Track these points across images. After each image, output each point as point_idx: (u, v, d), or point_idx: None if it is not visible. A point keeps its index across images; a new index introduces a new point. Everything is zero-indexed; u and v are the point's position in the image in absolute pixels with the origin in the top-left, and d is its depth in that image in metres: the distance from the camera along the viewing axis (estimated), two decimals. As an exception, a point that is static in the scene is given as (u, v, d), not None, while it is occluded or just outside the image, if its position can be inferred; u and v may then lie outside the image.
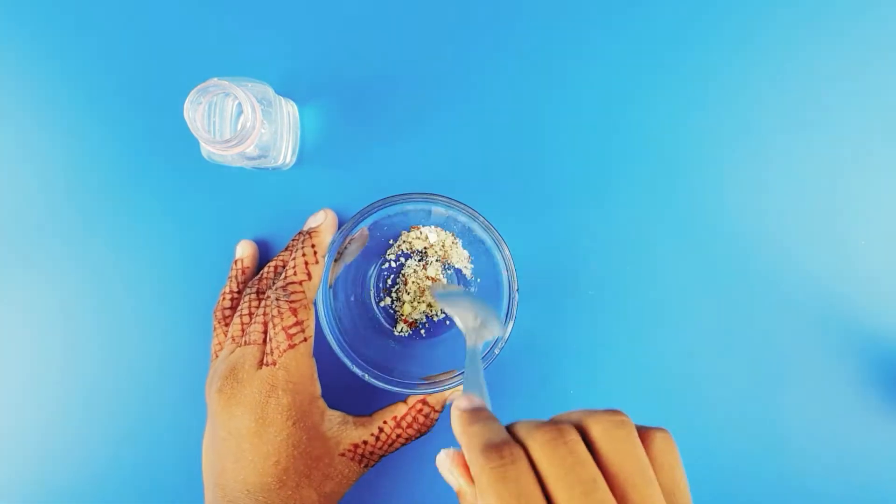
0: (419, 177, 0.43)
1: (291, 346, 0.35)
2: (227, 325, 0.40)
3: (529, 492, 0.22)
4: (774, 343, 0.43)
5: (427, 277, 0.42)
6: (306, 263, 0.37)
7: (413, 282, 0.42)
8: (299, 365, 0.35)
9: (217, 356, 0.39)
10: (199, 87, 0.33)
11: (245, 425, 0.34)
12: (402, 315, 0.42)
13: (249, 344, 0.36)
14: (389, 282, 0.43)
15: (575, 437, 0.24)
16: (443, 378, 0.38)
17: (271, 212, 0.43)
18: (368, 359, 0.38)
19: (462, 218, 0.38)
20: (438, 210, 0.40)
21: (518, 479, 0.22)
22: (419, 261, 0.42)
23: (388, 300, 0.43)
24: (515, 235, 0.42)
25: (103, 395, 0.43)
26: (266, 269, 0.40)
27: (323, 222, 0.39)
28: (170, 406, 0.43)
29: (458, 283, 0.43)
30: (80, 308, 0.43)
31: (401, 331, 0.43)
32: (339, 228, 0.39)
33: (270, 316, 0.36)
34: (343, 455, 0.36)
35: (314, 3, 0.43)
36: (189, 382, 0.43)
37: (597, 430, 0.24)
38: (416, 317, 0.42)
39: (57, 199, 0.43)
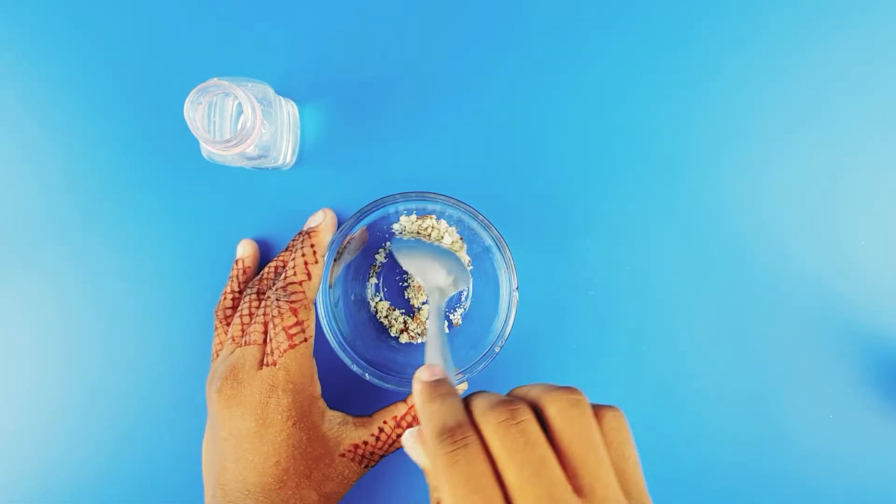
0: (419, 177, 0.43)
1: (292, 347, 0.35)
2: (228, 324, 0.40)
3: (480, 473, 0.23)
4: (774, 343, 0.43)
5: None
6: (306, 263, 0.37)
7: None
8: (300, 365, 0.35)
9: (218, 356, 0.39)
10: (199, 87, 0.33)
11: (245, 426, 0.34)
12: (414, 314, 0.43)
13: (250, 344, 0.36)
14: (383, 284, 0.43)
15: (528, 417, 0.24)
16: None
17: (271, 212, 0.43)
18: (369, 358, 0.38)
19: (462, 216, 0.38)
20: (438, 209, 0.40)
21: (469, 463, 0.23)
22: None
23: (385, 304, 0.43)
24: (515, 235, 0.42)
25: (103, 395, 0.43)
26: (266, 269, 0.40)
27: (322, 222, 0.39)
28: (170, 406, 0.43)
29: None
30: (80, 308, 0.43)
31: (399, 335, 0.43)
32: (338, 228, 0.39)
33: (271, 316, 0.36)
34: (343, 455, 0.36)
35: (314, 4, 0.43)
36: (189, 382, 0.43)
37: (552, 409, 0.25)
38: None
39: (57, 199, 0.43)
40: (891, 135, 0.43)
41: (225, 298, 0.40)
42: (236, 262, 0.42)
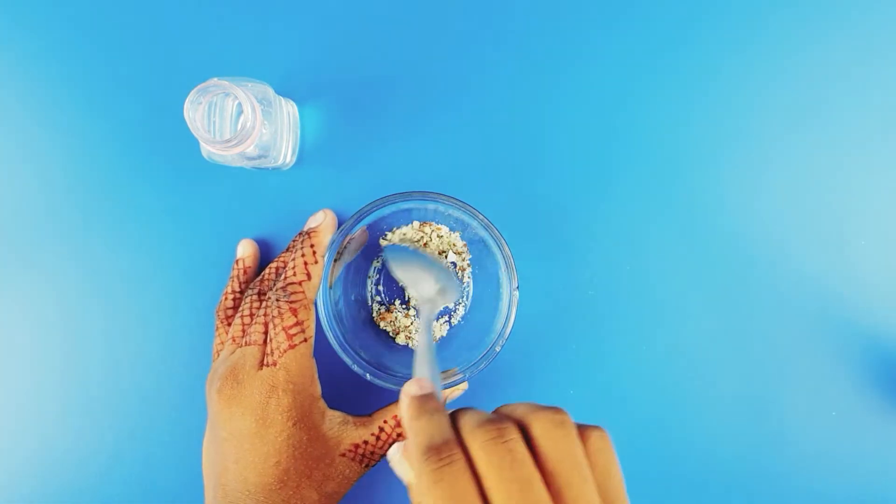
0: (419, 176, 0.43)
1: (292, 347, 0.35)
2: (229, 324, 0.40)
3: (465, 491, 0.23)
4: (774, 343, 0.44)
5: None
6: (306, 264, 0.37)
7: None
8: (300, 365, 0.35)
9: (218, 356, 0.39)
10: (199, 87, 0.33)
11: (246, 426, 0.34)
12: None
13: (250, 345, 0.36)
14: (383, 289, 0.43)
15: (515, 437, 0.24)
16: (443, 376, 0.38)
17: (271, 212, 0.43)
18: (369, 358, 0.38)
19: (462, 216, 0.38)
20: (438, 208, 0.40)
21: (454, 482, 0.23)
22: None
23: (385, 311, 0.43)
24: (515, 235, 0.42)
25: (103, 395, 0.43)
26: (267, 270, 0.40)
27: (322, 222, 0.39)
28: (170, 406, 0.43)
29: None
30: (80, 308, 0.43)
31: (398, 337, 0.43)
32: (338, 228, 0.39)
33: (271, 316, 0.36)
34: (344, 455, 0.36)
35: (314, 4, 0.43)
36: (189, 382, 0.43)
37: (538, 429, 0.25)
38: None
39: (57, 199, 0.43)
40: (891, 135, 0.43)
41: (226, 298, 0.41)
42: (237, 262, 0.42)
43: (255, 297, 0.39)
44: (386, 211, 0.38)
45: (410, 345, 0.42)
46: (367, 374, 0.37)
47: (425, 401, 0.27)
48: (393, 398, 0.39)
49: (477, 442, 0.24)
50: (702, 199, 0.43)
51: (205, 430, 0.38)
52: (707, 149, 0.43)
